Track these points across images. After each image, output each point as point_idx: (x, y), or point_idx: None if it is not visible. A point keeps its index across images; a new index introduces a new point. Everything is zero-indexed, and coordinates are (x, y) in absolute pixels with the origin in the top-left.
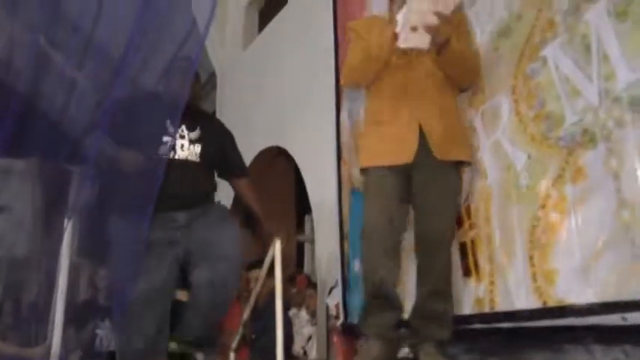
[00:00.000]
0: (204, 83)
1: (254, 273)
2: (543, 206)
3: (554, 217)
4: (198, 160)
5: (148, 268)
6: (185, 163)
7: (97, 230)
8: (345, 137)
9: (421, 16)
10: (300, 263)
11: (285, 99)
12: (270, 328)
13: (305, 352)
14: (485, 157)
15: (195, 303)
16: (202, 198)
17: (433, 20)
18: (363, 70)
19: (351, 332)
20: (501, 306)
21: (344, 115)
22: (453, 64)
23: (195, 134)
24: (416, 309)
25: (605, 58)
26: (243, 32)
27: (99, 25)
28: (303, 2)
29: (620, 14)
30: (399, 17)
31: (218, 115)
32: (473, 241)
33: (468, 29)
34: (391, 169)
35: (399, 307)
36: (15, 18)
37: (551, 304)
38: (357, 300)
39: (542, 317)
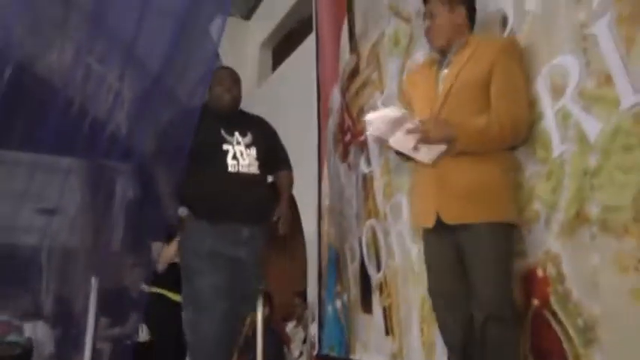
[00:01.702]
0: None
1: None
2: None
3: None
4: (257, 171)
5: (207, 273)
6: (249, 176)
7: (138, 224)
8: (325, 200)
9: (401, 143)
10: None
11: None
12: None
13: None
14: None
15: None
16: (264, 213)
17: (411, 142)
18: None
19: None
20: None
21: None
22: (476, 149)
23: (248, 139)
24: None
25: None
26: (258, 69)
27: (138, 41)
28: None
29: None
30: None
31: None
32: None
33: (511, 69)
34: None
35: None
36: (64, 35)
37: None
38: (331, 336)
39: None
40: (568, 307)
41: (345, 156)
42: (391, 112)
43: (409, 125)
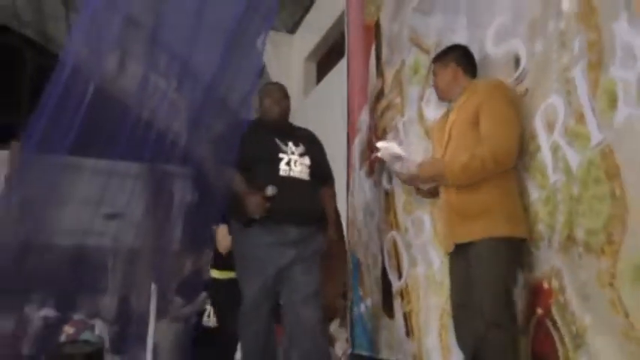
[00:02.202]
0: None
1: None
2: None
3: None
4: (308, 178)
5: (256, 274)
6: (299, 180)
7: (197, 225)
8: (351, 213)
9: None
10: None
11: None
12: None
13: None
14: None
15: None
16: (312, 216)
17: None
18: None
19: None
20: None
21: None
22: (463, 181)
23: (301, 149)
24: None
25: None
26: (303, 82)
27: (193, 56)
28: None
29: None
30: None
31: None
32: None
33: (491, 106)
34: None
35: None
36: (125, 51)
37: None
38: (361, 335)
39: None
40: (566, 316)
41: (371, 172)
42: (396, 148)
43: (397, 167)
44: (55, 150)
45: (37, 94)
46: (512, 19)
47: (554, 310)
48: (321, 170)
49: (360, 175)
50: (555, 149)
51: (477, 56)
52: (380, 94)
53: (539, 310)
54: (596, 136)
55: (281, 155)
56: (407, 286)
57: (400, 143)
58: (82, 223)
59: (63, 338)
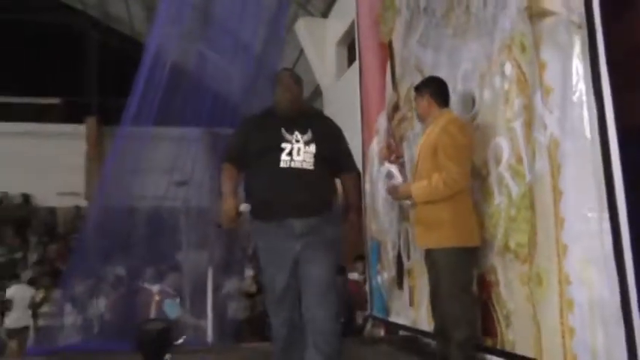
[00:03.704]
0: (312, 92)
1: None
2: None
3: None
4: (312, 167)
5: (273, 270)
6: (301, 171)
7: None
8: (367, 199)
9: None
10: None
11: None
12: None
13: None
14: None
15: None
16: (318, 207)
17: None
18: None
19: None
20: None
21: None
22: (425, 200)
23: (307, 136)
24: None
25: None
26: (336, 64)
27: (242, 28)
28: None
29: None
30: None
31: None
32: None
33: (445, 142)
34: None
35: None
36: (180, 29)
37: None
38: (378, 302)
39: None
40: (500, 302)
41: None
42: (394, 170)
43: (388, 185)
44: (143, 123)
45: (102, 72)
46: (471, 67)
47: (493, 297)
48: (336, 158)
49: (381, 171)
50: (500, 179)
51: (451, 90)
52: (396, 106)
53: (485, 296)
54: (528, 176)
55: (283, 145)
56: (412, 266)
57: (402, 166)
58: (159, 190)
59: (153, 307)
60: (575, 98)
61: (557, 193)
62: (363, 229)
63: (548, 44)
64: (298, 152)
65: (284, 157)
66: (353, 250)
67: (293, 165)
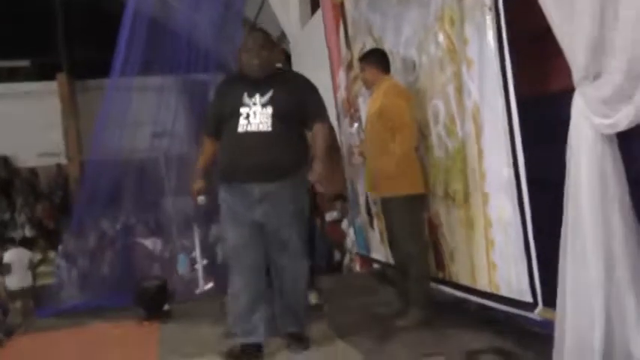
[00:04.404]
0: (278, 37)
1: None
2: None
3: None
4: (269, 128)
5: (233, 231)
6: (258, 134)
7: None
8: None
9: None
10: None
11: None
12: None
13: None
14: None
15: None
16: (278, 171)
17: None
18: None
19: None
20: None
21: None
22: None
23: (265, 98)
24: None
25: None
26: (299, 14)
27: None
28: None
29: None
30: None
31: None
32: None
33: (384, 101)
34: None
35: None
36: None
37: None
38: (360, 240)
39: None
40: (445, 240)
41: (352, 120)
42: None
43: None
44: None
45: (68, 27)
46: (412, 34)
47: (439, 237)
48: (302, 110)
49: (345, 122)
50: (439, 136)
51: (397, 56)
52: (350, 65)
53: (433, 237)
54: (459, 134)
55: (242, 110)
56: (378, 210)
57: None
58: (142, 142)
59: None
60: (490, 72)
61: (480, 152)
62: (343, 172)
63: (469, 22)
64: (254, 115)
65: (242, 121)
66: (332, 190)
67: (249, 129)
